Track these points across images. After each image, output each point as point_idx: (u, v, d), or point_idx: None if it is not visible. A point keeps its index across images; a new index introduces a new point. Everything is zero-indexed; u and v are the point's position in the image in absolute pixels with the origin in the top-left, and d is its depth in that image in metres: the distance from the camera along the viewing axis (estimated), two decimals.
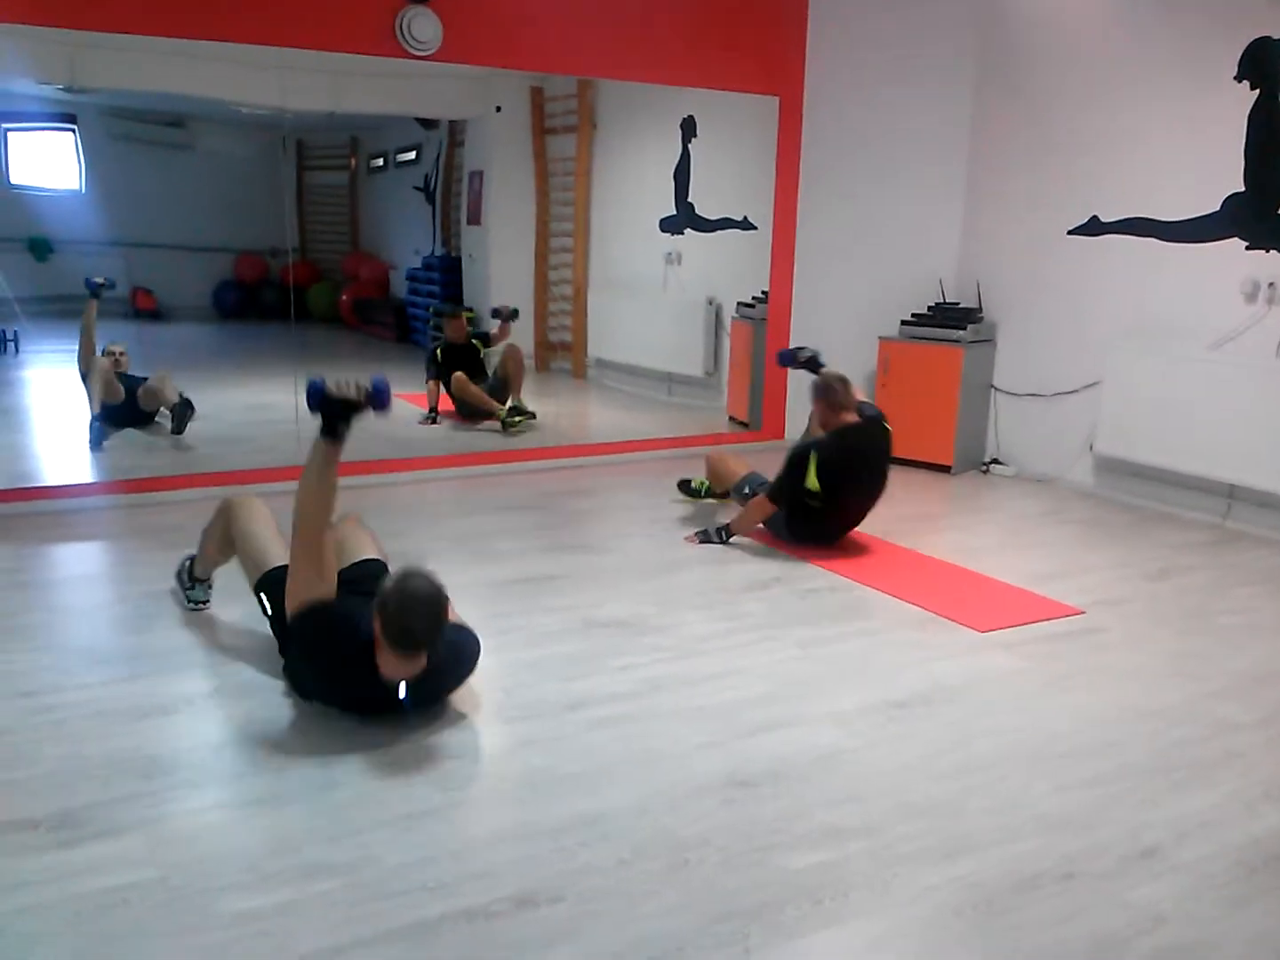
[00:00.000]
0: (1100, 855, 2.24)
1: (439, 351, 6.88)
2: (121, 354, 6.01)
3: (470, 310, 7.54)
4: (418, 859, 2.15)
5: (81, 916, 1.95)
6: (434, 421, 6.73)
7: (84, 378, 5.85)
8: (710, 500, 4.99)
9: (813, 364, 4.57)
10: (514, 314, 7.13)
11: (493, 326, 7.08)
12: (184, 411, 5.80)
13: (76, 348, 5.87)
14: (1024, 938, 1.97)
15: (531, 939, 1.92)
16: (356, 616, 2.63)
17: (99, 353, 5.92)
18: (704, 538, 4.42)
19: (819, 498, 4.22)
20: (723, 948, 1.91)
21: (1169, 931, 2.00)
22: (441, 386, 6.78)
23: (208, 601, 3.52)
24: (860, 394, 4.50)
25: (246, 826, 2.29)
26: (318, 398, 2.66)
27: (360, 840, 2.21)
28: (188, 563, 3.56)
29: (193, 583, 3.53)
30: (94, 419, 5.66)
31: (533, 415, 6.67)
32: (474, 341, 6.98)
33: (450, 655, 2.71)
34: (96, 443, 5.61)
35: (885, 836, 2.29)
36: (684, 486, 5.11)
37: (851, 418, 4.28)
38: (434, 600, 2.55)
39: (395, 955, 1.87)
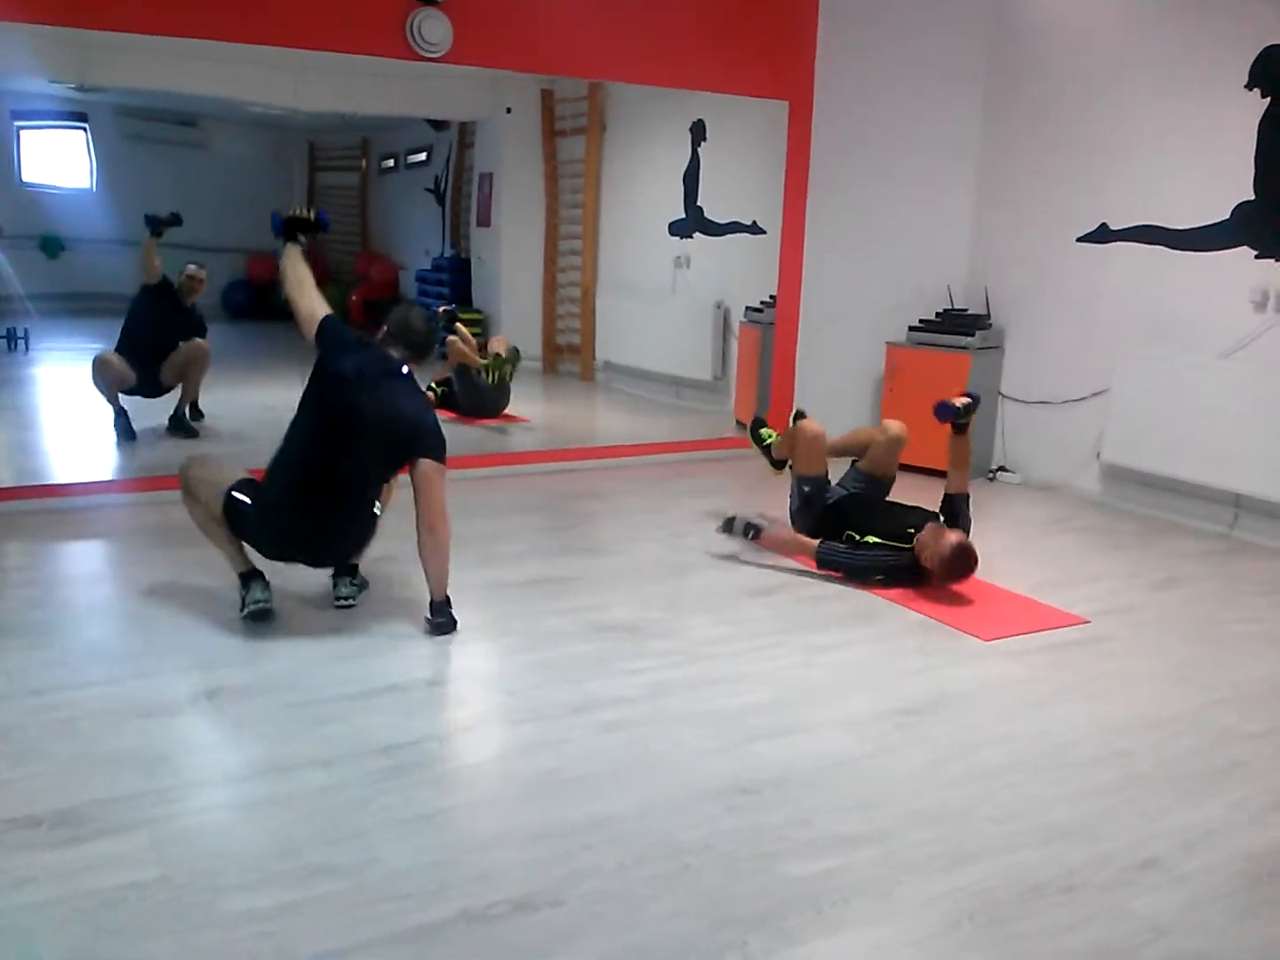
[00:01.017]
0: (1105, 865, 2.23)
1: (439, 391, 6.85)
2: (200, 280, 5.97)
3: (479, 312, 7.55)
4: (420, 862, 2.15)
5: (84, 914, 1.95)
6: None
7: (141, 297, 5.81)
8: (766, 458, 4.68)
9: (962, 427, 4.08)
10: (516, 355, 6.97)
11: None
12: (187, 425, 5.85)
13: (141, 266, 5.83)
14: (1027, 947, 1.96)
15: (532, 942, 1.92)
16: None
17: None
18: (728, 529, 4.25)
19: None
20: (723, 954, 1.91)
21: (1172, 942, 1.99)
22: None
23: (268, 600, 3.38)
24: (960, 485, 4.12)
25: (250, 827, 2.29)
26: (279, 223, 3.48)
27: (363, 842, 2.22)
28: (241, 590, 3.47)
29: (246, 586, 3.40)
30: (116, 414, 5.67)
31: (516, 352, 6.72)
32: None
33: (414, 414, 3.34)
34: (126, 435, 5.64)
35: (889, 844, 2.28)
36: (755, 429, 4.78)
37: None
38: (427, 315, 3.48)
39: (397, 958, 1.87)
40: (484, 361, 6.67)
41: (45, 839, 2.19)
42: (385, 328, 3.35)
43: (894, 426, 4.38)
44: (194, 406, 6.04)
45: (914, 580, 3.96)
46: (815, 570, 4.09)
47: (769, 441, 4.72)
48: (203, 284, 6.00)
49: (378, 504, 3.48)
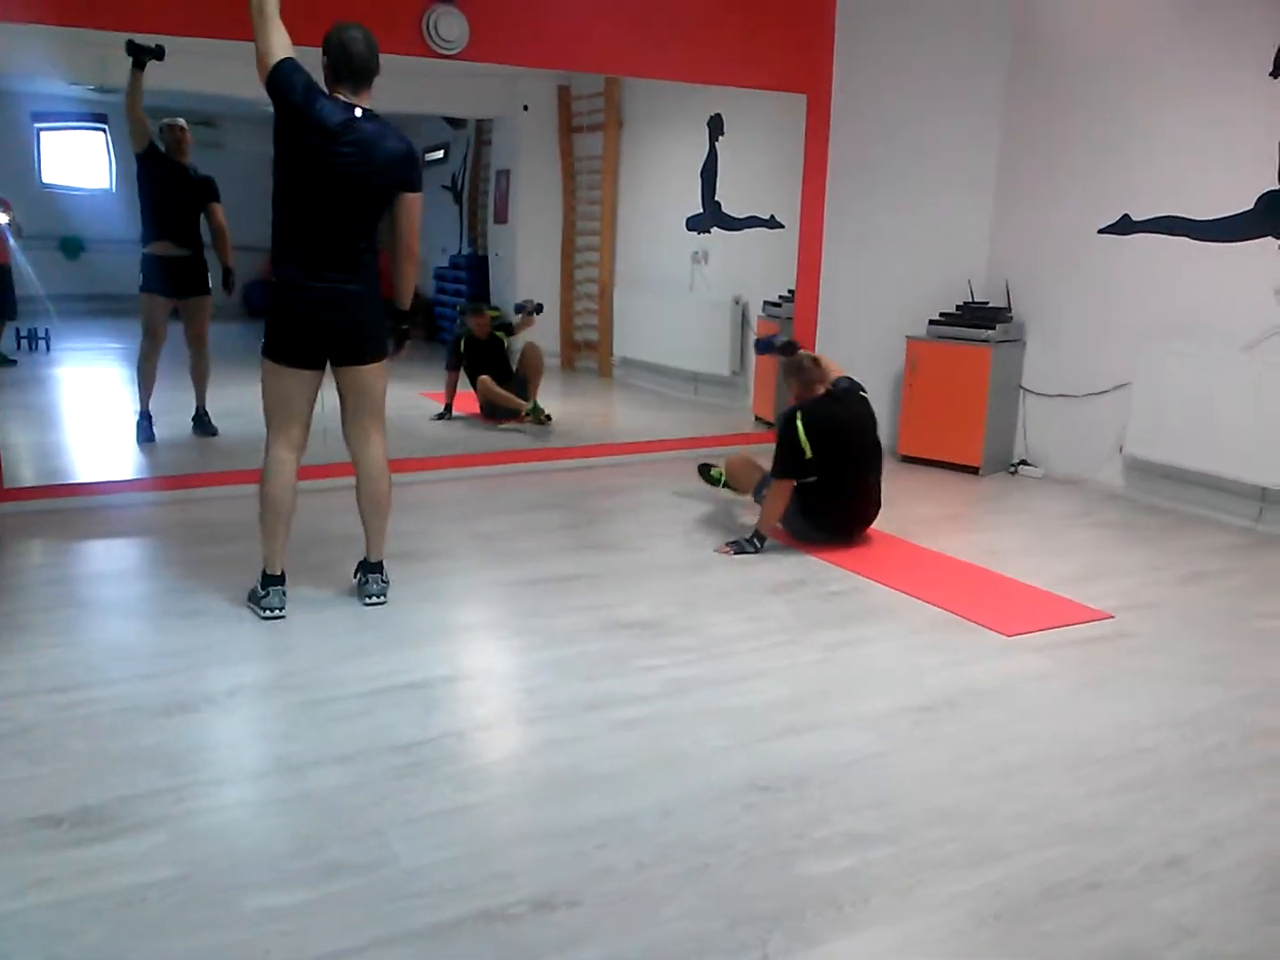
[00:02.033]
0: (1129, 864, 2.20)
1: (462, 343, 6.84)
2: (183, 129, 5.84)
3: (496, 309, 7.55)
4: (437, 860, 2.15)
5: (103, 913, 1.96)
6: (447, 417, 6.75)
7: (140, 168, 5.69)
8: (726, 491, 4.99)
9: (789, 349, 4.62)
10: (538, 309, 7.04)
11: (517, 319, 7.07)
12: (208, 424, 5.85)
13: (127, 126, 5.65)
14: (1050, 947, 1.94)
15: (549, 941, 1.91)
16: None
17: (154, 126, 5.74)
18: (738, 548, 4.29)
19: (814, 466, 4.25)
20: (743, 953, 1.89)
21: (1198, 942, 1.97)
22: (463, 379, 6.78)
23: (283, 609, 3.42)
24: (838, 370, 4.58)
25: (268, 824, 2.29)
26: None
27: (381, 840, 2.21)
28: (257, 583, 3.49)
29: (266, 589, 3.45)
30: (140, 415, 5.68)
31: (548, 418, 6.65)
32: (497, 334, 6.94)
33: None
34: (146, 437, 5.64)
35: (910, 842, 2.26)
36: (704, 472, 5.12)
37: (824, 389, 4.40)
38: (368, 39, 3.24)
39: (414, 956, 1.87)
40: (527, 407, 6.65)
41: (65, 838, 2.19)
42: (324, 56, 3.26)
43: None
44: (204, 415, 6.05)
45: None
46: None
47: (722, 479, 4.99)
48: (185, 131, 5.85)
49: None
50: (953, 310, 5.98)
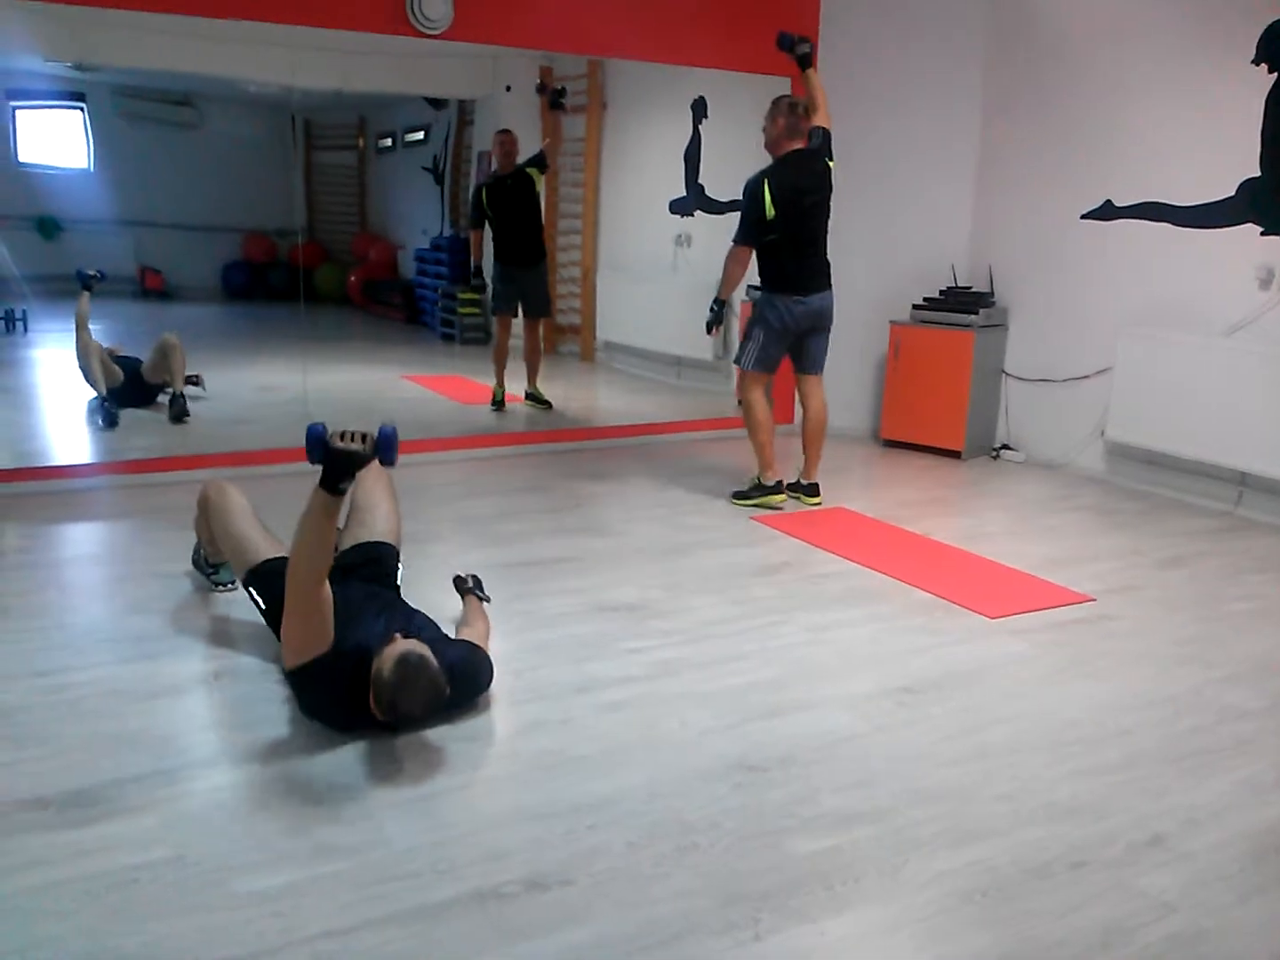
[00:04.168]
0: (1110, 843, 2.23)
1: (484, 191, 6.31)
2: (116, 347, 6.03)
3: (477, 291, 7.38)
4: (428, 841, 2.16)
5: (93, 895, 1.96)
6: (501, 407, 6.55)
7: (84, 371, 5.84)
8: (763, 496, 4.76)
9: (805, 60, 4.74)
10: (562, 91, 6.30)
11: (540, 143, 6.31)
12: (182, 403, 5.81)
13: (74, 342, 5.82)
14: (1033, 924, 1.97)
15: (541, 921, 1.93)
16: (354, 654, 2.53)
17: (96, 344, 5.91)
18: (710, 324, 4.75)
19: (776, 227, 4.51)
20: (733, 931, 1.91)
21: (1178, 919, 2.00)
22: (486, 230, 6.26)
23: (234, 582, 3.42)
24: (825, 118, 4.70)
25: (258, 807, 2.29)
26: (319, 451, 2.38)
27: (371, 822, 2.22)
28: (201, 551, 3.54)
29: (213, 567, 3.52)
30: (101, 400, 5.66)
31: (548, 405, 6.62)
32: (527, 170, 6.18)
33: (463, 677, 2.64)
34: (109, 423, 5.61)
35: (895, 822, 2.29)
36: (739, 495, 4.83)
37: (799, 144, 4.56)
38: (431, 700, 2.44)
39: (405, 937, 1.88)
40: (498, 395, 6.56)
41: (54, 820, 2.19)
42: (372, 691, 2.45)
43: None
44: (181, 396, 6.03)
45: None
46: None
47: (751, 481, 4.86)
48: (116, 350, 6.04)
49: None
50: (936, 295, 6.00)
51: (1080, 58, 5.44)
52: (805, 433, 4.86)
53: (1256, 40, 4.65)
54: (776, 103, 4.65)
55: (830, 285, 4.73)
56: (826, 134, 4.67)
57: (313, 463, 2.41)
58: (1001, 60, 5.85)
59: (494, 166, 6.15)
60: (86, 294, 5.84)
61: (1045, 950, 1.91)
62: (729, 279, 4.72)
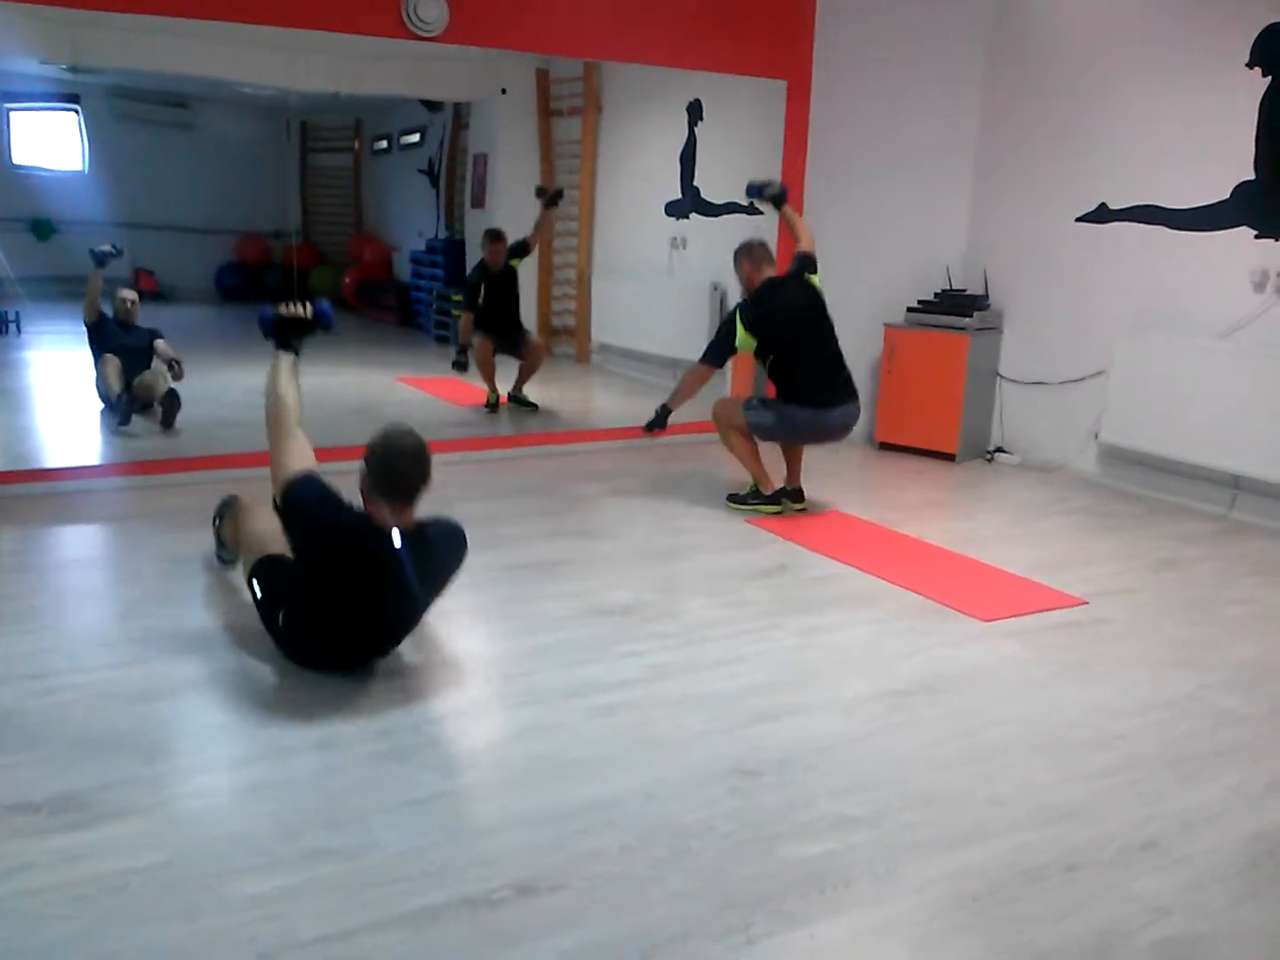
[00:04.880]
0: (1104, 847, 2.23)
1: (479, 284, 6.63)
2: (132, 302, 6.00)
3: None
4: (421, 845, 2.15)
5: (85, 899, 1.95)
6: (494, 409, 6.64)
7: (91, 333, 5.85)
8: (759, 505, 4.71)
9: (777, 201, 4.85)
10: (558, 195, 6.82)
11: (529, 230, 6.76)
12: (171, 405, 5.75)
13: (82, 305, 5.87)
14: (1027, 928, 1.97)
15: (535, 926, 1.92)
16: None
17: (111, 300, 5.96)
18: (650, 425, 4.72)
19: (764, 352, 4.55)
20: (727, 935, 1.91)
21: (1173, 924, 2.00)
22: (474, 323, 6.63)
23: (235, 561, 3.54)
24: (807, 239, 4.79)
25: (250, 810, 2.28)
26: (270, 324, 3.06)
27: (364, 826, 2.21)
28: (218, 520, 3.63)
29: (224, 545, 3.63)
30: (118, 396, 5.62)
31: (535, 407, 6.65)
32: (510, 263, 6.69)
33: (442, 535, 2.89)
34: (125, 419, 5.60)
35: (889, 825, 2.28)
36: (735, 499, 4.78)
37: (771, 272, 4.63)
38: (419, 450, 2.71)
39: (398, 941, 1.87)
40: (489, 397, 6.64)
41: (45, 824, 2.18)
42: (364, 466, 2.70)
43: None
44: (169, 393, 6.01)
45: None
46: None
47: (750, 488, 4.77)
48: (137, 304, 6.05)
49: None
50: (930, 298, 6.01)
51: (1076, 62, 5.45)
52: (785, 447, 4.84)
53: (1251, 44, 4.66)
54: (736, 253, 4.71)
55: (856, 398, 4.68)
56: (803, 255, 4.71)
57: (268, 336, 3.07)
58: (999, 63, 5.85)
59: (485, 258, 6.69)
60: (100, 272, 5.82)
61: (1039, 955, 1.90)
62: (681, 393, 4.71)
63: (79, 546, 4.16)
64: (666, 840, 2.19)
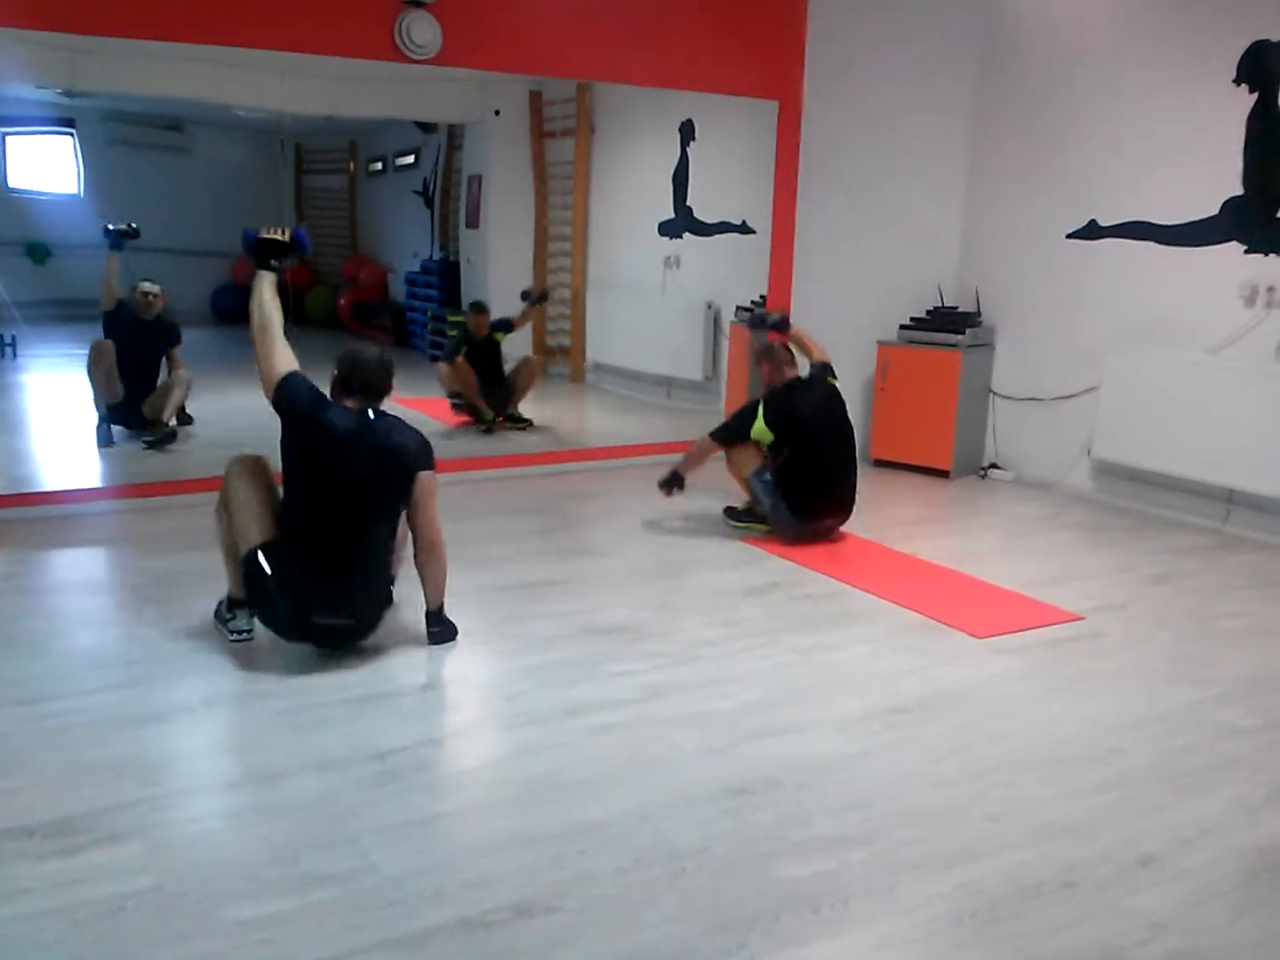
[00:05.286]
0: (1103, 862, 2.23)
1: (461, 345, 6.77)
2: (155, 296, 5.94)
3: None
4: (415, 868, 2.14)
5: (80, 924, 1.94)
6: (489, 430, 6.62)
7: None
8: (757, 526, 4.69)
9: (780, 327, 4.88)
10: (543, 297, 7.02)
11: (518, 312, 7.00)
12: (171, 437, 5.76)
13: (100, 295, 5.85)
14: (1026, 946, 1.96)
15: (529, 948, 1.91)
16: None
17: (131, 290, 5.90)
18: (668, 484, 4.70)
19: (779, 446, 4.49)
20: (722, 957, 1.90)
21: (1171, 939, 1.99)
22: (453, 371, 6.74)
23: (251, 631, 3.28)
24: (820, 352, 4.81)
25: (244, 834, 2.28)
26: (251, 243, 3.27)
27: (358, 848, 2.20)
28: (223, 601, 3.37)
29: (232, 611, 3.31)
30: (100, 419, 5.64)
31: (529, 423, 6.68)
32: (494, 335, 6.85)
33: (406, 427, 3.25)
34: (104, 441, 5.59)
35: (885, 844, 2.28)
36: (732, 513, 4.81)
37: (794, 373, 4.63)
38: (382, 356, 3.23)
39: None
40: (488, 416, 6.66)
41: (39, 849, 2.17)
42: (336, 371, 3.21)
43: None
44: (182, 411, 6.02)
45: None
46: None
47: (744, 505, 4.79)
48: (159, 298, 5.98)
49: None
50: (923, 315, 6.03)
51: (1066, 79, 5.49)
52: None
53: (1238, 61, 4.70)
54: (757, 354, 4.85)
55: (850, 506, 4.64)
56: (823, 364, 4.75)
57: (249, 253, 3.30)
58: (989, 83, 5.90)
59: (469, 327, 6.85)
60: (116, 256, 5.75)
61: None
62: (691, 463, 4.72)
63: (74, 570, 4.15)
64: (661, 861, 2.19)
